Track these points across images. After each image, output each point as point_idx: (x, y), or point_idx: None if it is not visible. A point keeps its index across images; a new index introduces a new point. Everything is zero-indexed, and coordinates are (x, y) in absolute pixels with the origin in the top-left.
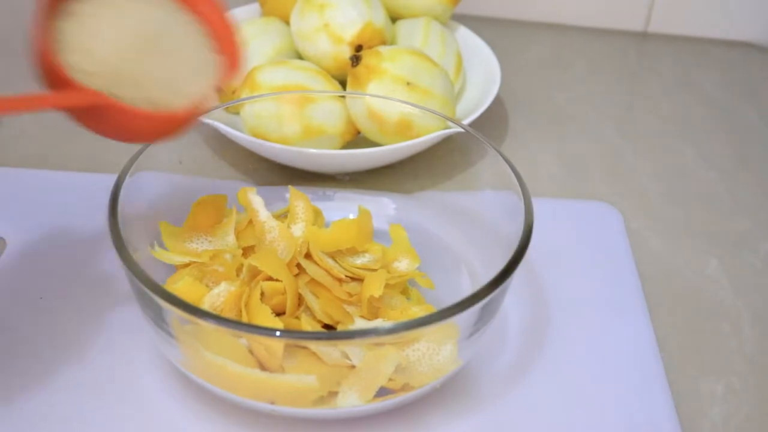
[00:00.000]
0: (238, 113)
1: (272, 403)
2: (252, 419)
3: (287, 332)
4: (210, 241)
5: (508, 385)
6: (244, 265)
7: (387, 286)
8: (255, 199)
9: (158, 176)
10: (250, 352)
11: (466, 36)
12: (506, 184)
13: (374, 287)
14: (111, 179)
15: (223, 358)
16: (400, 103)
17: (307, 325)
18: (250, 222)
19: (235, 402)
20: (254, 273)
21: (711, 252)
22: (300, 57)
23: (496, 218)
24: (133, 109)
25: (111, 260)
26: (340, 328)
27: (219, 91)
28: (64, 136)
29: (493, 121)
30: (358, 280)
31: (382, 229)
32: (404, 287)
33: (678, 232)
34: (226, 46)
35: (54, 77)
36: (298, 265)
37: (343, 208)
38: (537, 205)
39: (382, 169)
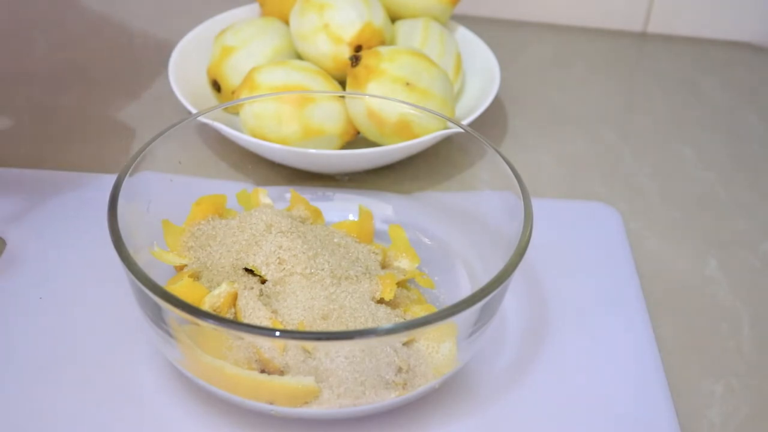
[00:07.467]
0: (237, 113)
1: (271, 403)
2: (251, 419)
3: (287, 332)
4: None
5: (508, 385)
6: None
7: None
8: (265, 201)
9: (158, 176)
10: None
11: (465, 36)
12: (505, 185)
13: (386, 291)
14: (111, 179)
15: (222, 359)
16: (399, 103)
17: None
18: None
19: (234, 402)
20: None
21: (710, 252)
22: (299, 57)
23: (495, 218)
24: None
25: (111, 260)
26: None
27: None
28: (64, 136)
29: (492, 122)
30: None
31: (381, 229)
32: (404, 287)
33: (677, 233)
34: None
35: None
36: None
37: (343, 208)
38: (536, 205)
39: (381, 169)
